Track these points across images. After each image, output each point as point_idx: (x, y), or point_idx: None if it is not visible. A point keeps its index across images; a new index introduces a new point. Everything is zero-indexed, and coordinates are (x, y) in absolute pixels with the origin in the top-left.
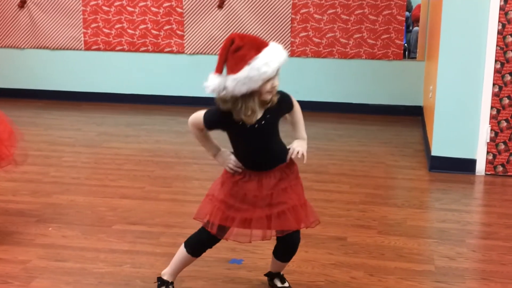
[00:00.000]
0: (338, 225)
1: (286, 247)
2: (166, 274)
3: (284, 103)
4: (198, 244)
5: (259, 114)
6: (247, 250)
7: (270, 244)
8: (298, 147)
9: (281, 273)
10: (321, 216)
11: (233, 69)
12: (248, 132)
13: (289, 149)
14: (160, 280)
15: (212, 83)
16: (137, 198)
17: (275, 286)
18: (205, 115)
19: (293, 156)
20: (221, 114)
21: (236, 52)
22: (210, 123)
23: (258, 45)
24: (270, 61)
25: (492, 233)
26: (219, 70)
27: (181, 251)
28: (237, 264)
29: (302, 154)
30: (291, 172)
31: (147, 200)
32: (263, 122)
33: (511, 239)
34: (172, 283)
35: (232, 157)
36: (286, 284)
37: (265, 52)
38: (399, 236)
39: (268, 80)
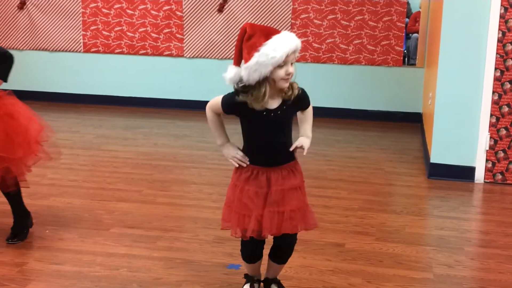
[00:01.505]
0: (337, 232)
1: (282, 247)
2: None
3: (303, 98)
4: (244, 251)
5: (275, 103)
6: None
7: (266, 250)
8: (301, 142)
9: (278, 278)
10: (320, 222)
11: (246, 58)
12: (263, 120)
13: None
14: (246, 277)
15: (229, 74)
16: (135, 202)
17: None
18: (223, 99)
19: (295, 146)
20: (238, 100)
21: (248, 41)
22: (228, 106)
23: (268, 32)
24: (279, 47)
25: (490, 241)
26: (236, 62)
27: (245, 264)
28: (234, 269)
29: (302, 146)
30: (296, 171)
31: (145, 203)
32: (279, 112)
33: (509, 247)
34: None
35: (240, 152)
36: None
37: (274, 38)
38: (398, 243)
39: (281, 67)
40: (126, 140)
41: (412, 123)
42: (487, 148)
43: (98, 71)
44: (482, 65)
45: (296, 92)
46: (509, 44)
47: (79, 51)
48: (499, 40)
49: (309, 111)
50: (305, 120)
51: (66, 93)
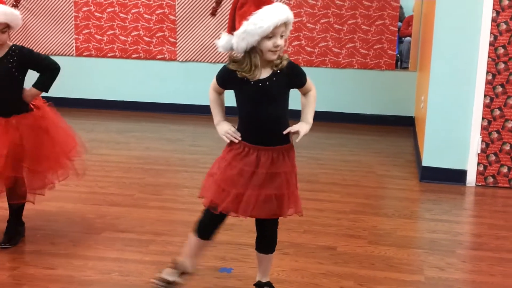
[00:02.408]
0: (329, 235)
1: (264, 234)
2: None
3: (294, 72)
4: (204, 224)
5: (265, 74)
6: (237, 259)
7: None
8: (298, 127)
9: (269, 281)
10: (312, 225)
11: (237, 27)
12: (253, 90)
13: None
14: (175, 262)
15: (221, 42)
16: (127, 206)
17: None
18: (217, 75)
19: (289, 130)
20: (228, 71)
21: (240, 9)
22: (220, 78)
23: (260, 2)
24: (267, 17)
25: (482, 244)
26: (229, 29)
27: (190, 238)
28: (226, 272)
29: (297, 131)
30: (288, 156)
31: (137, 207)
32: (267, 82)
33: (500, 250)
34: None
35: (232, 127)
36: None
37: (264, 8)
38: (389, 246)
39: (269, 38)
40: (118, 144)
41: (404, 126)
42: (479, 151)
43: (91, 75)
44: (474, 68)
45: (285, 62)
46: (501, 48)
47: (72, 55)
48: (491, 44)
49: (312, 95)
50: (307, 105)
51: (58, 97)
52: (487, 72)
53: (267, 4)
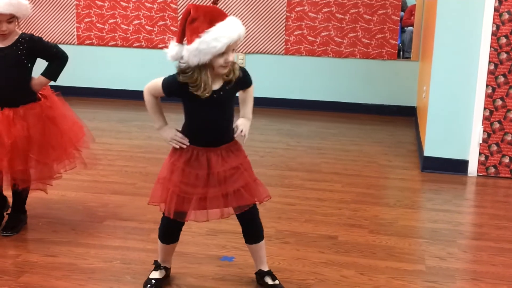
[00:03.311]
0: (330, 224)
1: (248, 224)
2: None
3: (244, 79)
4: (164, 230)
5: (217, 85)
6: (238, 247)
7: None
8: (242, 125)
9: (270, 270)
10: (313, 215)
11: (189, 40)
12: (204, 102)
13: (234, 127)
14: (156, 263)
15: (171, 52)
16: (128, 194)
17: (266, 284)
18: (164, 81)
19: (235, 135)
20: (179, 83)
21: (192, 23)
22: (169, 87)
23: (212, 18)
24: (221, 37)
25: (483, 234)
26: (178, 39)
27: (159, 243)
28: (228, 261)
29: (244, 135)
30: (236, 150)
31: (139, 196)
32: (221, 93)
33: (502, 240)
34: (164, 267)
35: (179, 133)
36: (277, 282)
37: (217, 26)
38: (390, 236)
39: (221, 55)
40: (120, 133)
41: (406, 116)
42: (481, 142)
43: (92, 64)
44: (476, 58)
45: (237, 73)
46: (503, 38)
47: (73, 44)
48: (493, 34)
49: (250, 91)
50: (246, 101)
51: (59, 86)
52: (489, 62)
53: (219, 20)
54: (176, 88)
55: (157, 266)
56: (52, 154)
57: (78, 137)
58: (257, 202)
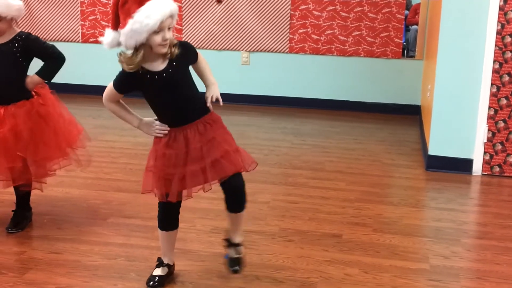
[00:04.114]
0: (334, 222)
1: (231, 193)
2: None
3: (188, 51)
4: (161, 216)
5: (162, 65)
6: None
7: (265, 240)
8: (211, 92)
9: (238, 243)
10: (317, 213)
11: (122, 24)
12: (159, 84)
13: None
14: (159, 260)
15: (106, 39)
16: (132, 192)
17: (230, 255)
18: (114, 82)
19: (208, 103)
20: (126, 74)
21: (123, 6)
22: (121, 86)
23: None
24: (152, 14)
25: (487, 233)
26: (113, 26)
27: (159, 233)
28: None
29: (217, 99)
30: (213, 122)
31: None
32: (170, 70)
33: (506, 239)
34: (167, 264)
35: (156, 122)
36: (240, 255)
37: (147, 5)
38: (394, 234)
39: (157, 33)
40: (124, 130)
41: (410, 115)
42: (485, 141)
43: (97, 61)
44: (481, 57)
45: (176, 50)
46: (508, 37)
47: (78, 41)
48: (498, 33)
49: (202, 60)
50: (203, 70)
51: (64, 83)
52: (494, 61)
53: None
54: (127, 82)
55: (160, 263)
56: (43, 152)
57: (73, 135)
58: (242, 171)
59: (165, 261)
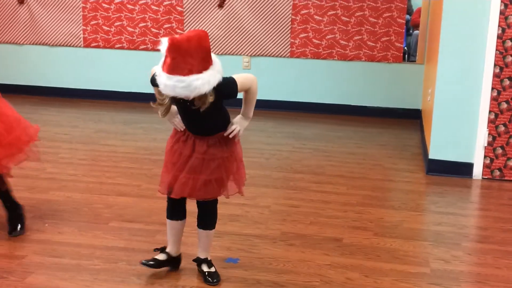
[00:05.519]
0: (335, 226)
1: (202, 211)
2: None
3: (224, 89)
4: (168, 205)
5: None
6: (243, 249)
7: (267, 244)
8: (237, 124)
9: (208, 258)
10: (318, 217)
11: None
12: (184, 109)
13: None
14: (160, 248)
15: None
16: (134, 196)
17: (202, 271)
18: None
19: (226, 133)
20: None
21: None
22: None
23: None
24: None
25: (488, 237)
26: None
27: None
28: (233, 263)
29: (235, 135)
30: (226, 145)
31: (144, 198)
32: (194, 103)
33: (506, 243)
34: (167, 252)
35: (178, 116)
36: (213, 269)
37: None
38: (395, 238)
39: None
40: (126, 135)
41: (411, 119)
42: (486, 145)
43: (98, 66)
44: (482, 61)
45: (210, 98)
46: (509, 41)
47: (79, 46)
48: (498, 37)
49: (252, 92)
50: (247, 101)
51: (65, 88)
52: (495, 65)
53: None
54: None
55: (162, 249)
56: None
57: (33, 131)
58: (223, 196)
59: (167, 250)
